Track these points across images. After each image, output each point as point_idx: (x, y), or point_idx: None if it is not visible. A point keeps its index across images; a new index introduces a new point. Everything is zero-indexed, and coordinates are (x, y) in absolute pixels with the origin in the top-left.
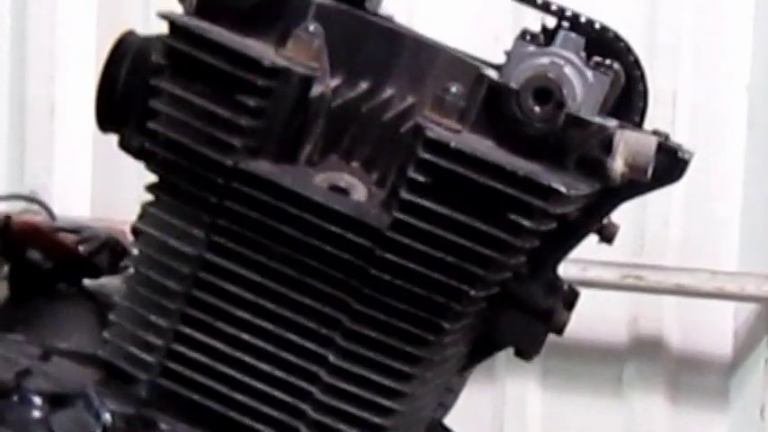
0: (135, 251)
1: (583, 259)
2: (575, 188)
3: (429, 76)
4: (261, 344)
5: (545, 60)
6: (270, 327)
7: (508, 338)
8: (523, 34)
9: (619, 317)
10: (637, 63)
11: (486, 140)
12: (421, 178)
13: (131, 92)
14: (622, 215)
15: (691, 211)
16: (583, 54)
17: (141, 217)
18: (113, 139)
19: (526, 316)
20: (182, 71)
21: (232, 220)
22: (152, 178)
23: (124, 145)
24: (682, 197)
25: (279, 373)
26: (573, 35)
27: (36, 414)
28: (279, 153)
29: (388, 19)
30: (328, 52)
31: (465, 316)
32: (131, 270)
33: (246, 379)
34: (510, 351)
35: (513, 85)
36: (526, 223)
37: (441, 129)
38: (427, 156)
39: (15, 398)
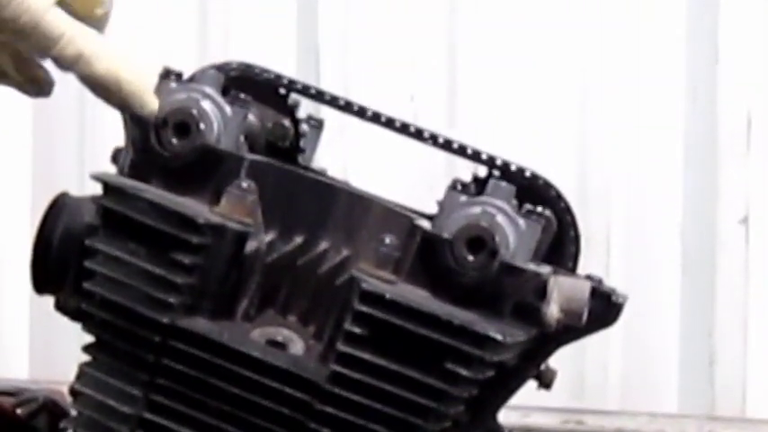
0: (73, 412)
1: (523, 405)
2: (511, 335)
3: (363, 228)
4: None
5: (477, 210)
6: None
7: None
8: (455, 184)
9: None
10: (568, 209)
11: (421, 290)
12: (357, 330)
13: (66, 253)
14: (561, 360)
15: (629, 355)
16: (514, 202)
17: (79, 377)
18: (50, 300)
19: None
20: (116, 231)
21: (170, 378)
22: (89, 338)
23: (60, 306)
24: (620, 341)
25: None
26: (504, 183)
27: None
28: (215, 309)
29: (321, 172)
30: (262, 208)
31: None
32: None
33: None
34: None
35: (446, 234)
36: (464, 372)
37: (376, 280)
38: (363, 308)
39: None
